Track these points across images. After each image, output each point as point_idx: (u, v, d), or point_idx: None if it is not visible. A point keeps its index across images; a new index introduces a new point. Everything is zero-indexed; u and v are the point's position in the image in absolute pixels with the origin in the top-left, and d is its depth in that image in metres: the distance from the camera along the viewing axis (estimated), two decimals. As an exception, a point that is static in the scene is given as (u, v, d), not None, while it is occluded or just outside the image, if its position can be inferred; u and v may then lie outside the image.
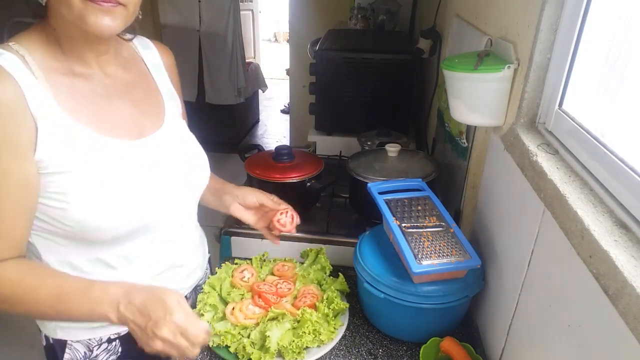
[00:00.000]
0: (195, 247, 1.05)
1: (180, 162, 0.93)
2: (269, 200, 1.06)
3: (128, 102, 0.88)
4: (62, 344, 0.93)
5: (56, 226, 0.79)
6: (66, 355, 0.93)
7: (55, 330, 0.92)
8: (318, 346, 0.95)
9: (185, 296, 1.06)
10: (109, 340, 0.94)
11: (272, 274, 1.12)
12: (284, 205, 1.07)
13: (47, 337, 0.94)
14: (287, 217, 1.05)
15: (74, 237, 0.82)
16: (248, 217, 1.08)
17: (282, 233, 1.06)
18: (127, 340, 0.95)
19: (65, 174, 0.76)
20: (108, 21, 0.75)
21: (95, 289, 0.76)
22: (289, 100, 4.13)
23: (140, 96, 0.91)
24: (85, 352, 0.93)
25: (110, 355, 0.95)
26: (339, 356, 0.98)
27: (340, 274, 1.10)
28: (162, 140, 0.91)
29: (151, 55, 0.98)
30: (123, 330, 0.95)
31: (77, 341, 0.93)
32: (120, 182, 0.82)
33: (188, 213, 1.01)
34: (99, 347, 0.94)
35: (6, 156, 0.71)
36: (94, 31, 0.76)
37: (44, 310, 0.79)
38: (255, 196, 1.06)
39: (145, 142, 0.88)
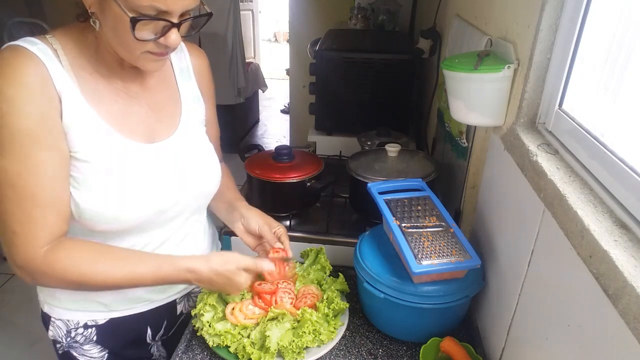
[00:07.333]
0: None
1: (186, 170, 0.93)
2: (269, 232, 1.03)
3: (145, 106, 0.90)
4: (48, 318, 0.97)
5: None
6: (50, 332, 0.98)
7: (44, 305, 0.97)
8: (318, 346, 0.95)
9: (176, 300, 1.07)
10: (85, 326, 0.96)
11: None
12: (279, 244, 1.02)
13: (41, 308, 0.99)
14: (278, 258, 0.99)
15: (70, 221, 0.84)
16: (248, 240, 1.07)
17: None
18: (103, 330, 0.98)
19: (81, 162, 0.80)
20: (161, 64, 0.84)
21: (163, 269, 0.84)
22: (289, 100, 4.13)
23: (159, 101, 0.93)
24: (66, 332, 0.96)
25: (86, 341, 0.97)
26: (339, 356, 0.98)
27: (340, 274, 1.10)
28: (171, 148, 0.92)
29: (181, 58, 0.99)
30: (101, 318, 0.97)
31: (59, 319, 0.96)
32: (127, 180, 0.84)
33: (192, 220, 1.02)
34: (76, 330, 0.96)
35: (48, 133, 0.76)
36: (145, 70, 0.86)
37: (119, 288, 0.87)
38: (258, 224, 1.05)
39: (155, 147, 0.89)
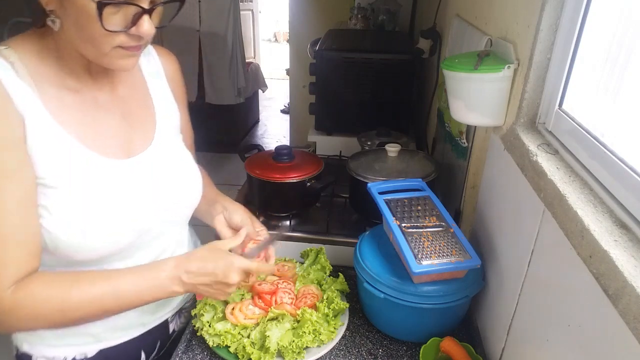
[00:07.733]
0: None
1: (168, 183, 0.89)
2: (252, 229, 0.98)
3: (118, 116, 0.84)
4: (28, 358, 0.90)
5: None
6: None
7: (22, 343, 0.89)
8: (318, 346, 0.95)
9: (167, 319, 1.03)
10: None
11: (272, 274, 1.12)
12: (259, 238, 0.99)
13: (16, 348, 0.91)
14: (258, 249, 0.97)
15: (45, 254, 0.78)
16: (226, 233, 1.00)
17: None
18: None
19: (50, 188, 0.73)
20: (133, 61, 0.75)
21: (147, 278, 0.78)
22: (289, 100, 4.13)
23: (131, 110, 0.87)
24: None
25: None
26: (339, 356, 0.98)
27: (340, 274, 1.10)
28: (150, 161, 0.86)
29: (150, 62, 0.93)
30: (90, 351, 0.91)
31: (42, 357, 0.89)
32: (104, 203, 0.78)
33: (176, 235, 0.98)
34: None
35: (11, 160, 0.69)
36: (116, 69, 0.77)
37: (104, 312, 0.78)
38: (241, 218, 1.00)
39: (132, 162, 0.84)
